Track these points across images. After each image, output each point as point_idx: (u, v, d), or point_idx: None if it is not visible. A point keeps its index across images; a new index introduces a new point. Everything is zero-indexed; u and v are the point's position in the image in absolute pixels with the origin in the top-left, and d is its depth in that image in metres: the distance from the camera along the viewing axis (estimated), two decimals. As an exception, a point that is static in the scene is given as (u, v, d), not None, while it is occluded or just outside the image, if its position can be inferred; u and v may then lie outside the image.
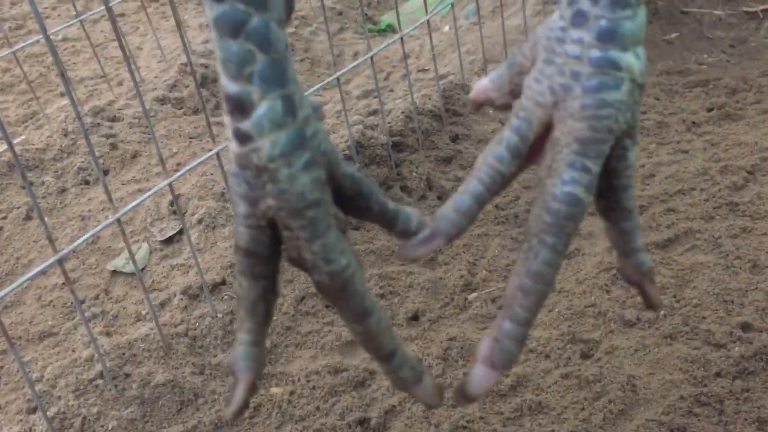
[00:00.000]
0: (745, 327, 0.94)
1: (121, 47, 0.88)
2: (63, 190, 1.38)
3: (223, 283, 1.10)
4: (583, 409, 0.88)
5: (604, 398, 0.88)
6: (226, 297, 1.09)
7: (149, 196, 0.99)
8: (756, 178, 1.20)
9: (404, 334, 1.01)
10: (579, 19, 0.46)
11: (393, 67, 1.75)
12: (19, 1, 2.25)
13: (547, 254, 0.46)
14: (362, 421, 0.90)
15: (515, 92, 0.51)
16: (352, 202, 0.48)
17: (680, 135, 1.36)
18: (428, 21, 1.37)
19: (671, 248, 1.10)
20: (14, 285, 0.83)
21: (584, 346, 0.96)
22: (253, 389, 0.48)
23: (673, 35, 1.68)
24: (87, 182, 1.40)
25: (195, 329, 1.04)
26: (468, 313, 1.04)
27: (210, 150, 1.04)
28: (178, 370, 0.98)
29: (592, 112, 0.45)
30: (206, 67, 1.66)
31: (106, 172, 1.41)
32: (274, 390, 0.96)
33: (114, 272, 1.18)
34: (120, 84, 1.73)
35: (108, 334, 1.05)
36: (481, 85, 0.54)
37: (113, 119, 1.54)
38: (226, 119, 0.44)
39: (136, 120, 1.53)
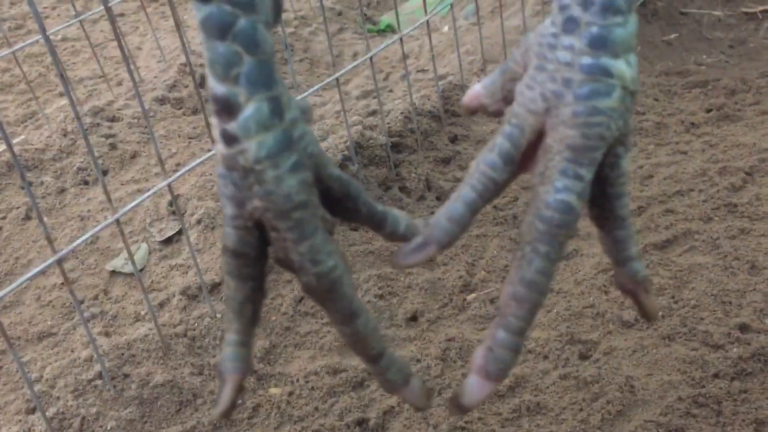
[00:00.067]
0: (743, 328, 0.94)
1: (121, 47, 0.89)
2: (62, 191, 1.38)
3: (222, 283, 1.10)
4: (581, 409, 0.88)
5: (603, 399, 0.88)
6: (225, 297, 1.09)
7: (148, 197, 0.99)
8: (754, 179, 1.20)
9: (403, 334, 1.01)
10: (570, 25, 0.45)
11: (392, 67, 1.75)
12: (19, 0, 2.25)
13: (540, 263, 0.46)
14: (361, 422, 0.90)
15: (508, 98, 0.51)
16: (340, 204, 0.48)
17: (679, 136, 1.36)
18: (427, 21, 1.37)
19: (669, 249, 1.10)
20: (13, 285, 0.84)
21: (582, 346, 0.96)
22: (240, 390, 0.48)
23: (672, 36, 1.68)
24: (86, 182, 1.40)
25: (194, 329, 1.04)
26: (467, 313, 1.04)
27: (209, 150, 1.04)
28: (177, 370, 0.98)
29: (583, 120, 0.45)
30: (205, 67, 1.66)
31: (105, 173, 1.41)
32: (273, 390, 0.96)
33: (113, 272, 1.18)
34: (119, 84, 1.74)
35: (107, 335, 1.05)
36: (474, 91, 0.54)
37: (112, 119, 1.54)
38: (214, 120, 0.44)
39: (136, 120, 1.53)
